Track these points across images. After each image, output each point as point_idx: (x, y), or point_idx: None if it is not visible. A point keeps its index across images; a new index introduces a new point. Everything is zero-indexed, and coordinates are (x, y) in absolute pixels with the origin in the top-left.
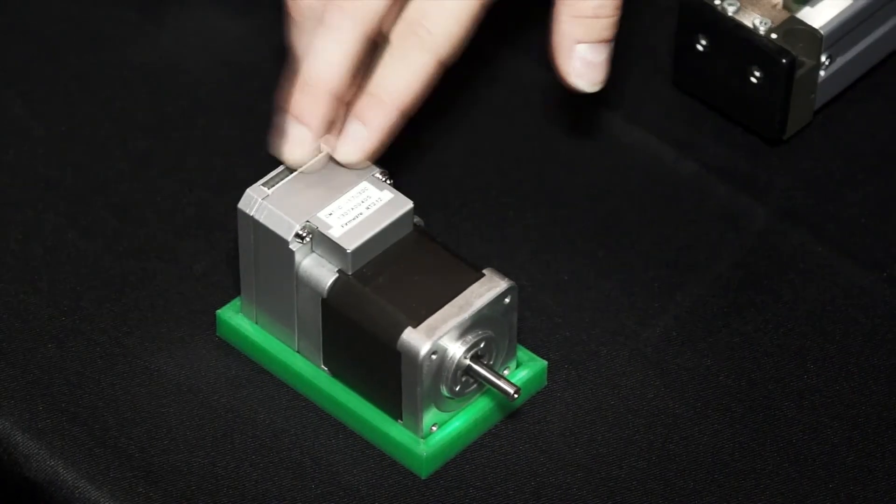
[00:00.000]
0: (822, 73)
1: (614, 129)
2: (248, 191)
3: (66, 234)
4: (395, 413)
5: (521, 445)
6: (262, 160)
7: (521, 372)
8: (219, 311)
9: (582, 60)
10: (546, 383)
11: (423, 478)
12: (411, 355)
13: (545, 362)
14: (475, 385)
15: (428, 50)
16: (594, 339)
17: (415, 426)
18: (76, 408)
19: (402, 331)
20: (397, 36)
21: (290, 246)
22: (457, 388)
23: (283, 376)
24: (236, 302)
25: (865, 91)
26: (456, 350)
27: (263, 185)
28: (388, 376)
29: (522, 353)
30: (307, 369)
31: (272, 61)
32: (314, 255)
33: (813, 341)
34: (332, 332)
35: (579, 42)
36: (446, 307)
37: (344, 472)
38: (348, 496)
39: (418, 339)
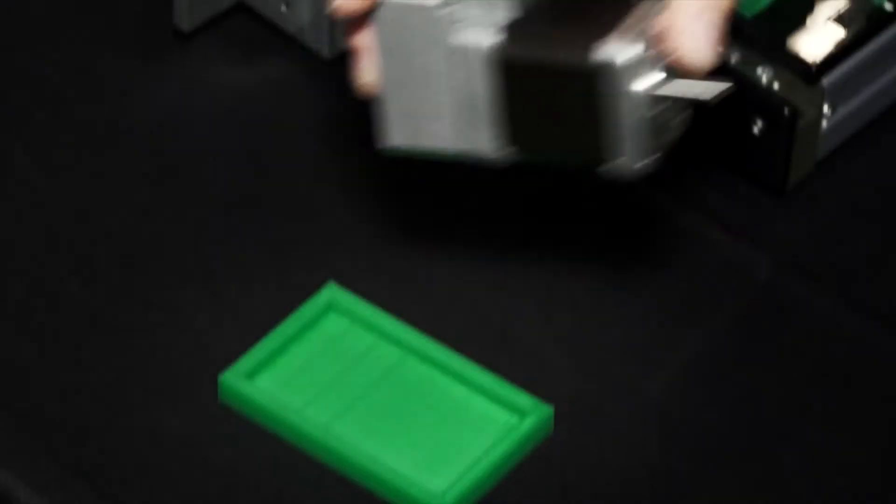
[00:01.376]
0: (824, 123)
1: (615, 181)
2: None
3: (69, 285)
4: (608, 155)
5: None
6: (265, 211)
7: (527, 419)
8: (221, 377)
9: None
10: (552, 430)
11: None
12: (611, 68)
13: (551, 408)
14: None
15: None
16: (597, 391)
17: (636, 157)
18: (78, 462)
19: (591, 49)
20: None
21: (436, 14)
22: (658, 111)
23: (290, 437)
24: (240, 364)
25: (868, 140)
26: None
27: None
28: (588, 115)
29: (526, 399)
30: (316, 430)
31: (276, 111)
32: (462, 22)
33: (816, 393)
34: (509, 95)
35: None
36: (624, 22)
37: None
38: None
39: (615, 49)
